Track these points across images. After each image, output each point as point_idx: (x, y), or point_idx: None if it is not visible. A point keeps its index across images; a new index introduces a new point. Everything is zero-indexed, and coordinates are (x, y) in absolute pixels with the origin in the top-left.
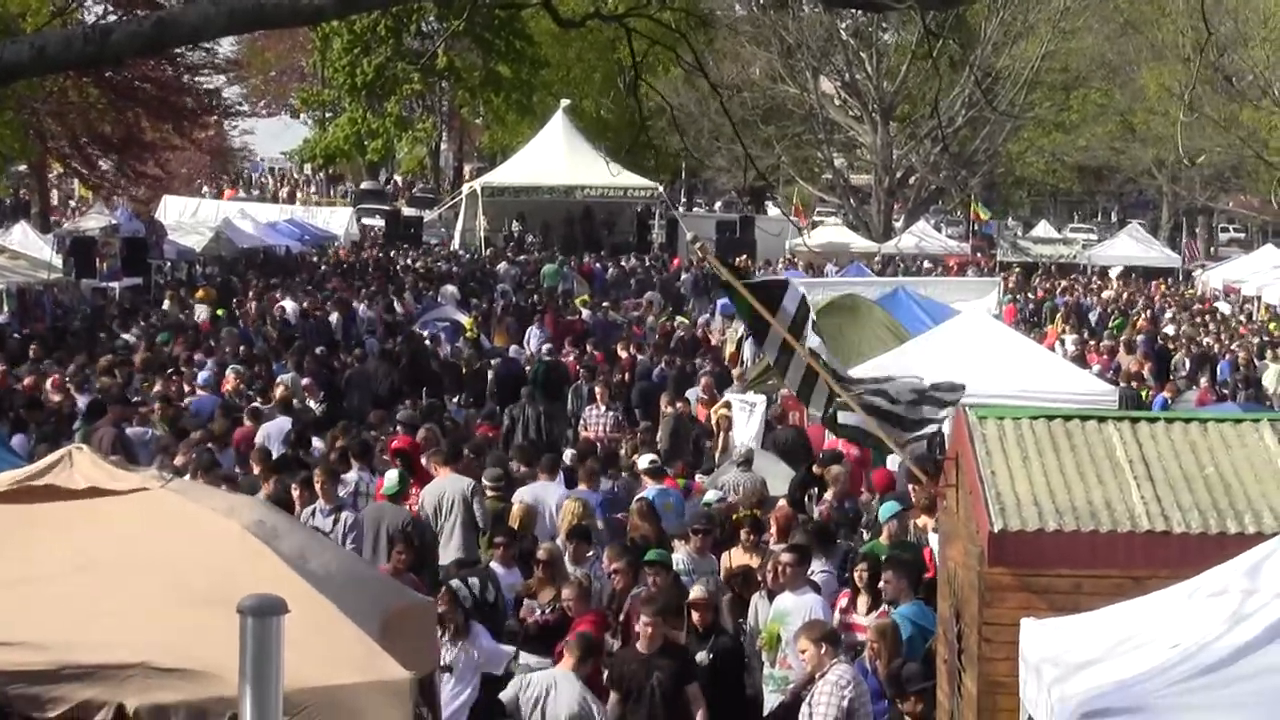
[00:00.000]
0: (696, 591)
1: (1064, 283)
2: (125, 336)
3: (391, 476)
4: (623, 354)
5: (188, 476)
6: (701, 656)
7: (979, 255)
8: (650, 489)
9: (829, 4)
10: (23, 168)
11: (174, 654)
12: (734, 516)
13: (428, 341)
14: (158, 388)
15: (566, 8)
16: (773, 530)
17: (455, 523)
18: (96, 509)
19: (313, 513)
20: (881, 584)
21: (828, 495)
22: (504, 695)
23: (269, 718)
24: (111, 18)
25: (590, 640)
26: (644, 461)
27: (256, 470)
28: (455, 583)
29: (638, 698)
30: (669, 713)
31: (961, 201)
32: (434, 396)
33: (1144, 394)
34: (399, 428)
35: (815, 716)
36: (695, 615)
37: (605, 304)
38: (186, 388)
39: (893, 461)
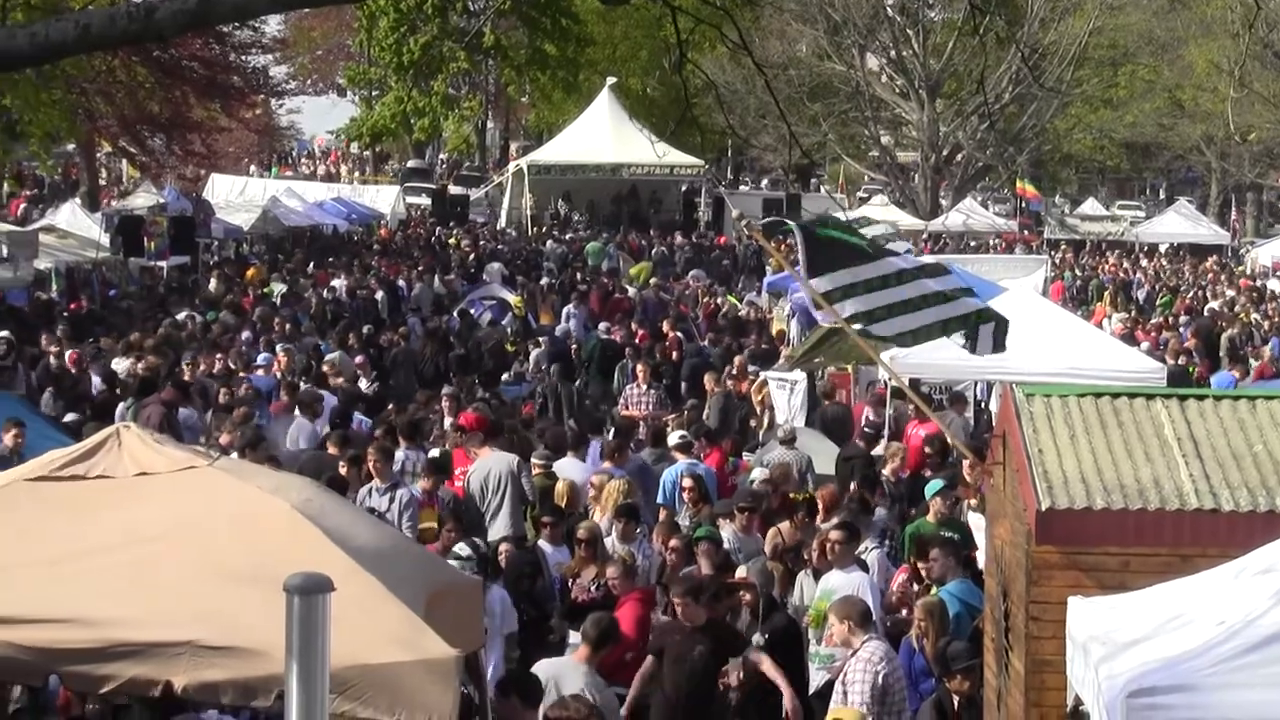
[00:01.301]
0: (739, 572)
1: (1111, 260)
2: (178, 316)
3: (433, 456)
4: (668, 332)
5: (234, 454)
6: (757, 638)
7: (1026, 233)
8: (681, 463)
9: None
10: (71, 147)
11: (221, 632)
12: (791, 497)
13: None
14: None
15: None
16: (820, 509)
17: (503, 499)
18: (145, 487)
19: (369, 492)
20: (928, 563)
21: (885, 471)
22: None
23: (315, 695)
24: None
25: (605, 626)
26: (674, 437)
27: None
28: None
29: (676, 663)
30: (707, 684)
31: (1008, 179)
32: (479, 375)
33: (1191, 371)
34: (446, 403)
35: (849, 693)
36: (748, 595)
37: (653, 281)
38: (232, 365)
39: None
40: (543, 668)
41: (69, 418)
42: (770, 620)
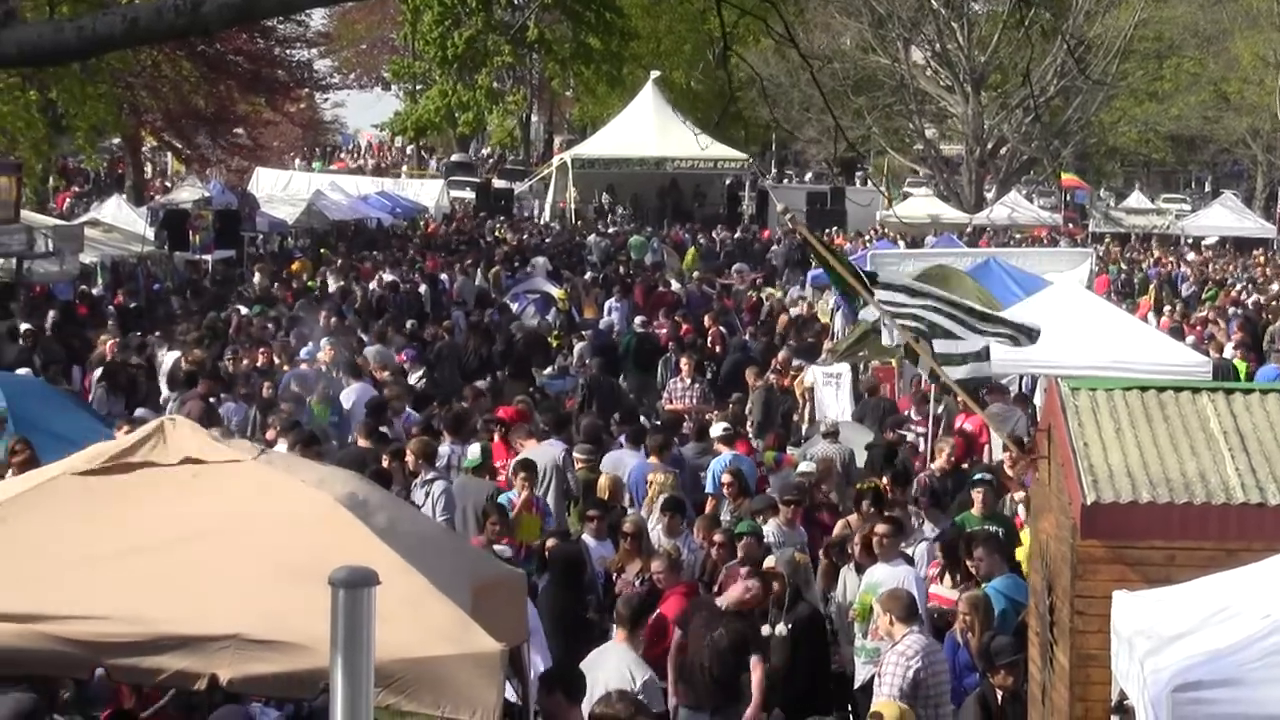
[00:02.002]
0: (768, 562)
1: (1156, 253)
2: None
3: (473, 450)
4: (710, 326)
5: (284, 448)
6: (780, 627)
7: (1071, 226)
8: (725, 455)
9: None
10: (116, 141)
11: (266, 625)
12: (857, 487)
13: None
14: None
15: None
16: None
17: (546, 493)
18: (190, 481)
19: (407, 485)
20: (973, 562)
21: (935, 465)
22: None
23: (360, 689)
24: None
25: (637, 605)
26: (717, 429)
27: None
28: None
29: (697, 639)
30: (728, 666)
31: (1053, 172)
32: (523, 368)
33: (1244, 368)
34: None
35: (881, 686)
36: (775, 585)
37: (696, 274)
38: (277, 360)
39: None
40: (586, 661)
41: (140, 413)
42: (794, 610)
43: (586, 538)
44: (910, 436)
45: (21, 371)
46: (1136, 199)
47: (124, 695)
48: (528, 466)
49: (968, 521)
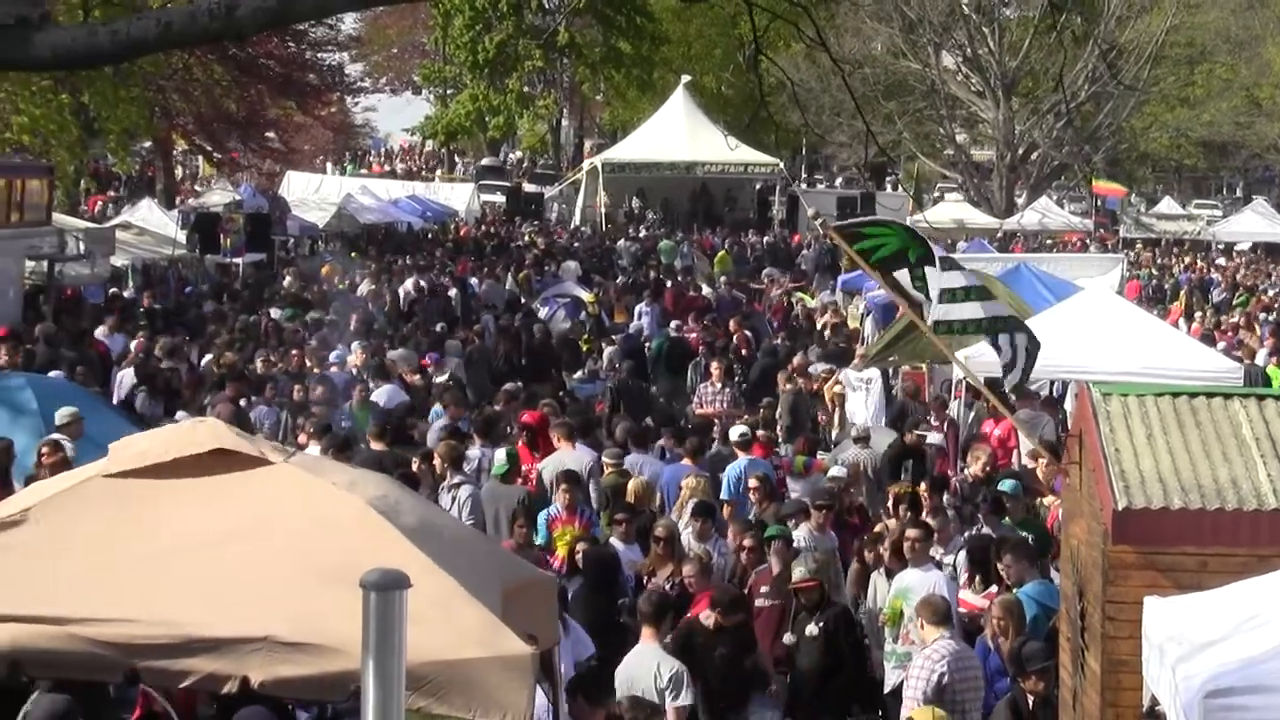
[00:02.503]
0: (798, 574)
1: (1188, 259)
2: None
3: (500, 456)
4: (735, 330)
5: (317, 451)
6: (811, 628)
7: (1102, 231)
8: (743, 459)
9: None
10: (148, 144)
11: (297, 628)
12: (894, 492)
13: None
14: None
15: None
16: (889, 506)
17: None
18: (221, 483)
19: (435, 489)
20: (1002, 568)
21: (972, 470)
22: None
23: (391, 692)
24: None
25: (659, 600)
26: (734, 433)
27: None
28: None
29: (701, 663)
30: (733, 679)
31: (1084, 177)
32: (552, 372)
33: (1277, 374)
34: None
35: (906, 690)
36: (801, 596)
37: (722, 279)
38: (308, 363)
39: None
40: (620, 667)
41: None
42: (825, 611)
43: (615, 542)
44: (930, 438)
45: (53, 374)
46: (1168, 204)
47: (151, 699)
48: (571, 478)
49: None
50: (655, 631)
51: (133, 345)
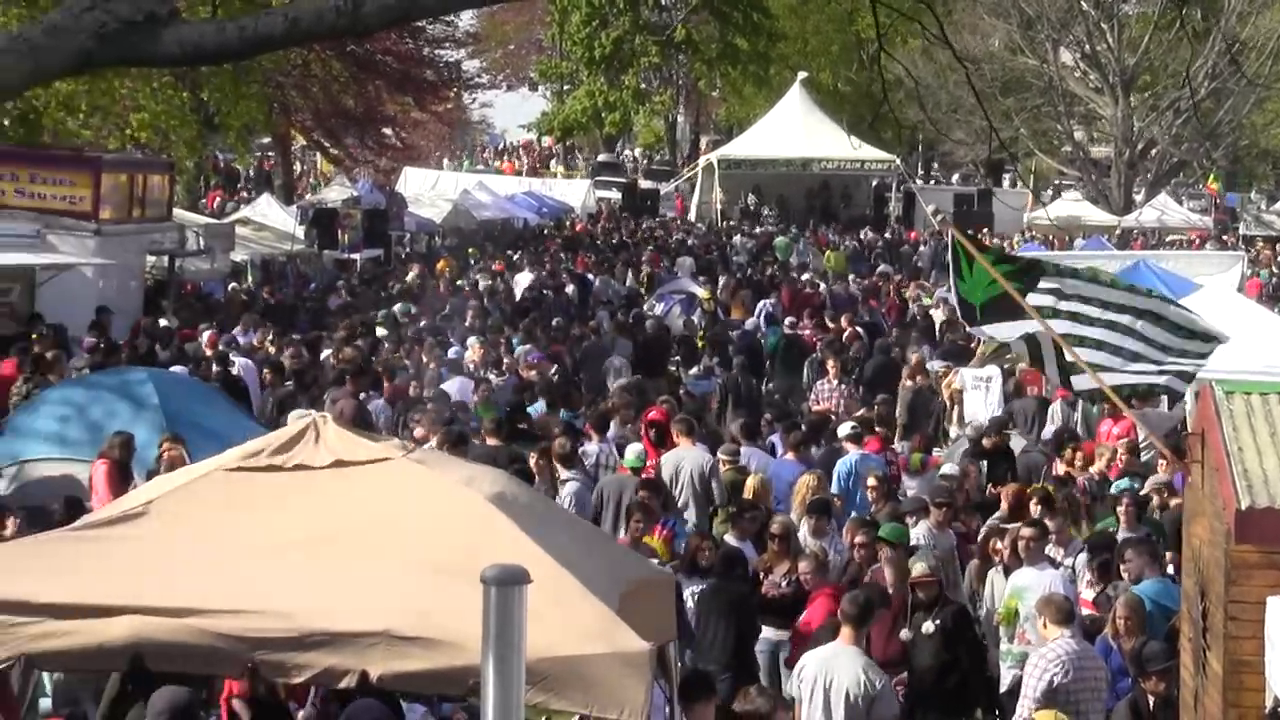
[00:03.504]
0: (919, 570)
1: None
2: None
3: (632, 451)
4: (846, 327)
5: (433, 447)
6: (928, 625)
7: (1221, 229)
8: (853, 454)
9: None
10: (266, 140)
11: (416, 622)
12: (1027, 490)
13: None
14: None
15: None
16: (1004, 506)
17: (688, 496)
18: (341, 479)
19: (553, 485)
20: (1123, 565)
21: (1093, 468)
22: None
23: (511, 687)
24: None
25: (864, 602)
26: (844, 429)
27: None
28: None
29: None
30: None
31: (1204, 174)
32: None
33: None
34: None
35: (1023, 690)
36: (920, 592)
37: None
38: (426, 359)
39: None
40: (812, 659)
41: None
42: (942, 609)
43: (729, 539)
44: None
45: (175, 369)
46: None
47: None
48: (650, 486)
49: (1112, 526)
50: (856, 633)
51: (255, 340)
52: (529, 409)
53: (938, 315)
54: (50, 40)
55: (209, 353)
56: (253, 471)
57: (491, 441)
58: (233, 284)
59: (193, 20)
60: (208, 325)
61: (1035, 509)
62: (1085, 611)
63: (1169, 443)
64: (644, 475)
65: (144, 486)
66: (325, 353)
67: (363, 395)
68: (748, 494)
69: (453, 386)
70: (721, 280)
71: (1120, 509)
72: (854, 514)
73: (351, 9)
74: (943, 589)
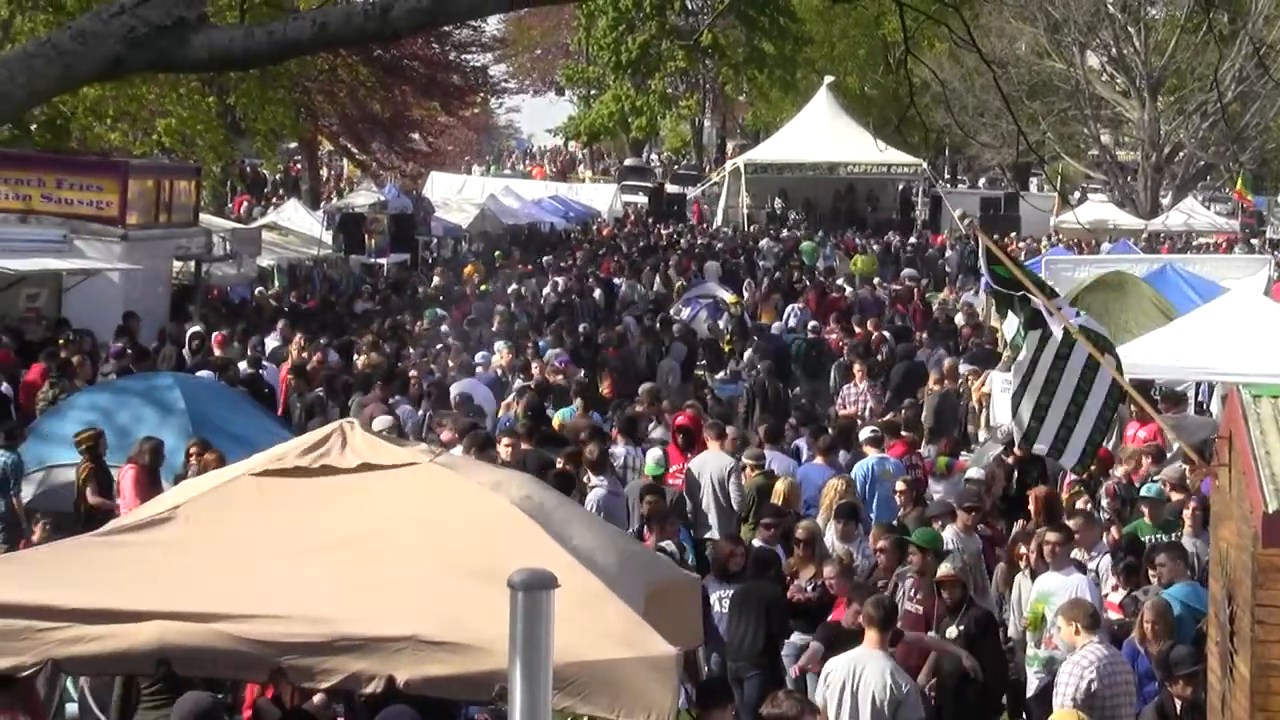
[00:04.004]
0: (944, 569)
1: None
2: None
3: (652, 457)
4: (873, 331)
5: (458, 451)
6: (952, 630)
7: (1249, 232)
8: (872, 457)
9: None
10: (293, 145)
11: (443, 627)
12: (1067, 494)
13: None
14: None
15: None
16: (1032, 510)
17: (711, 501)
18: (368, 483)
19: (583, 488)
20: (1154, 570)
21: (1117, 472)
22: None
23: (539, 691)
24: None
25: (889, 605)
26: (865, 432)
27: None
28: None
29: None
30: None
31: (1231, 178)
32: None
33: None
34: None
35: (1055, 696)
36: (944, 593)
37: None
38: (451, 363)
39: None
40: (839, 664)
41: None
42: (967, 613)
43: (756, 543)
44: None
45: (201, 374)
46: None
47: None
48: (654, 490)
49: (1140, 530)
50: (882, 637)
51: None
52: (558, 412)
53: (960, 320)
54: (79, 46)
55: (217, 353)
56: (280, 476)
57: (524, 446)
58: (259, 288)
59: (221, 25)
60: (230, 330)
61: (1077, 504)
62: (1112, 615)
63: (1199, 448)
64: (667, 481)
65: (171, 491)
66: (359, 359)
67: (390, 400)
68: (776, 499)
69: (475, 390)
70: (746, 284)
71: (1186, 513)
72: (875, 518)
73: (380, 13)
74: (967, 592)
